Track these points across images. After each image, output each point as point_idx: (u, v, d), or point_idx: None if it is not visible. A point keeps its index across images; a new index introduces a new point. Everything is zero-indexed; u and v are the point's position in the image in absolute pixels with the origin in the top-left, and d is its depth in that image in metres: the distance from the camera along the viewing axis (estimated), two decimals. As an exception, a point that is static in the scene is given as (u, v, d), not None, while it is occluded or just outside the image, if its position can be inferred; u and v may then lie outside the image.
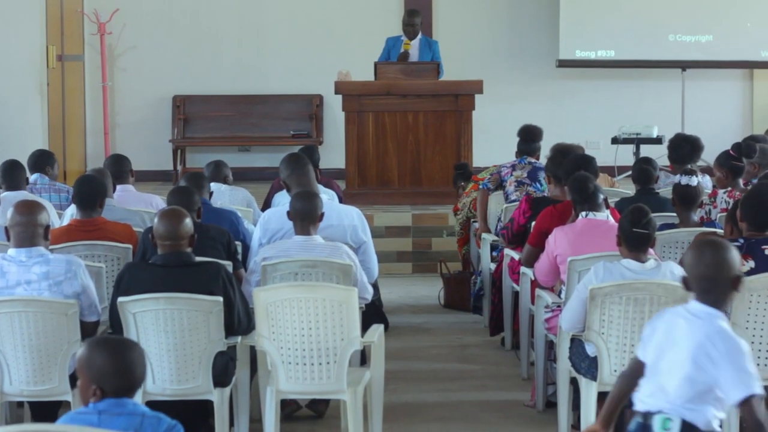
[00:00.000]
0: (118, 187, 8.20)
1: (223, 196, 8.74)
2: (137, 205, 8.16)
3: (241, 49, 14.47)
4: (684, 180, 7.15)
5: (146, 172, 13.28)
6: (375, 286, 7.59)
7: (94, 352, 3.91)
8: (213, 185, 8.33)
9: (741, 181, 8.20)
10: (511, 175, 9.12)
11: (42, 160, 8.87)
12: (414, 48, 12.30)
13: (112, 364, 3.88)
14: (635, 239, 5.92)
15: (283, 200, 8.03)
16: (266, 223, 7.23)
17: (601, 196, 6.80)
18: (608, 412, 4.42)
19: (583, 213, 6.77)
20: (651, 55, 14.09)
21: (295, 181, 7.34)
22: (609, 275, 5.91)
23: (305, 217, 6.64)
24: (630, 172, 8.85)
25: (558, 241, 6.73)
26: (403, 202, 11.72)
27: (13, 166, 8.36)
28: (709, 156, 10.33)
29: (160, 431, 3.86)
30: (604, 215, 6.75)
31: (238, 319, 6.01)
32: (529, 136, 9.28)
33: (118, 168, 8.38)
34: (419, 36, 12.41)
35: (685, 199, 7.22)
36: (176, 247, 5.96)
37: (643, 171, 8.12)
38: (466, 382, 7.67)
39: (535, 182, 9.09)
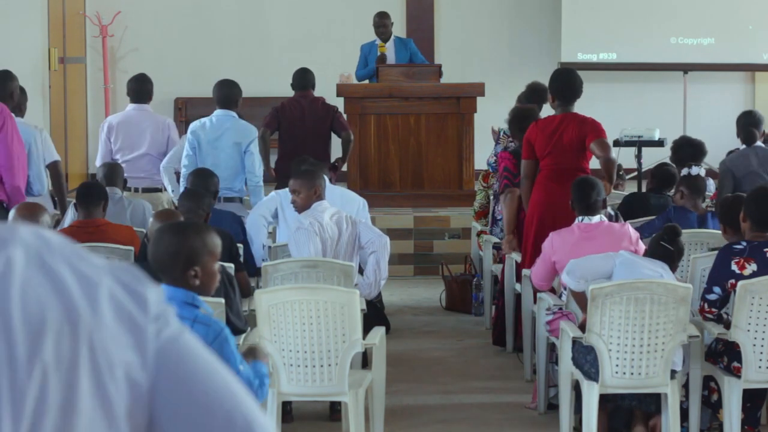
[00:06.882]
0: (135, 105, 9.31)
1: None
2: (150, 122, 9.27)
3: (242, 51, 14.47)
4: (694, 171, 7.40)
5: (148, 175, 13.26)
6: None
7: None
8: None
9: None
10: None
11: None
12: (390, 49, 12.30)
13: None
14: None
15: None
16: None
17: (599, 199, 6.80)
18: None
19: (579, 218, 6.81)
20: (653, 57, 14.09)
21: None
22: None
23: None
24: (633, 174, 8.90)
25: (555, 246, 6.73)
26: (404, 205, 11.70)
27: None
28: (711, 159, 10.34)
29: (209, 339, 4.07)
30: (597, 217, 6.78)
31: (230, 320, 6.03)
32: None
33: (141, 87, 9.46)
34: (392, 37, 12.40)
35: (694, 188, 7.53)
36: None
37: (666, 171, 8.45)
38: (467, 384, 7.66)
39: None
